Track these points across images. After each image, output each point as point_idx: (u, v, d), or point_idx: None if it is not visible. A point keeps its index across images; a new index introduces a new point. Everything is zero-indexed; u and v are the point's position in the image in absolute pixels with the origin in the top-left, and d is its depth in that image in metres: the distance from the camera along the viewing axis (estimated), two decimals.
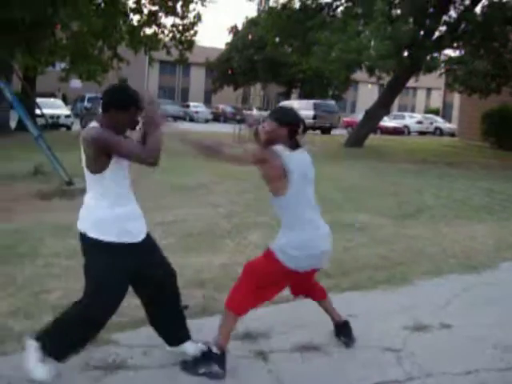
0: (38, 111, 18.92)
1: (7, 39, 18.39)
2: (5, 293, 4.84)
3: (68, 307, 3.46)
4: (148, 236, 3.63)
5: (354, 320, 4.60)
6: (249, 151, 3.63)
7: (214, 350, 3.57)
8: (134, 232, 3.46)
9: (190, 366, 3.63)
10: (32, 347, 3.33)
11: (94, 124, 3.31)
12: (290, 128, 3.63)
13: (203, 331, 4.14)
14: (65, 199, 9.43)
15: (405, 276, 5.94)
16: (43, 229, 6.96)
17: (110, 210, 3.36)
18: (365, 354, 4.00)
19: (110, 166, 3.29)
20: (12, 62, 15.67)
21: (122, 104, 3.29)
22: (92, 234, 3.34)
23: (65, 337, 3.36)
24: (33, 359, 3.30)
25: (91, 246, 3.38)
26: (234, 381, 3.54)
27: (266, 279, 3.61)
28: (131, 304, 4.69)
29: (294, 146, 3.63)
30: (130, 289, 5.06)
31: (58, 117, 27.14)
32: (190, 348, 3.73)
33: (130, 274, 3.48)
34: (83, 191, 10.18)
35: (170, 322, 3.74)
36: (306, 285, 3.99)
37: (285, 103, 39.65)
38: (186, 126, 39.40)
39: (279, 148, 3.54)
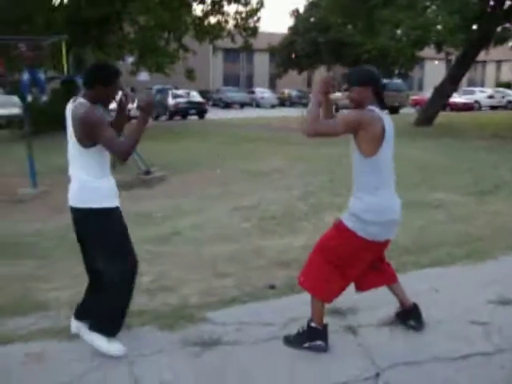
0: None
1: (80, 36, 19.02)
2: None
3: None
4: None
5: (438, 295, 4.68)
6: (337, 120, 3.50)
7: (314, 324, 3.70)
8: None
9: (294, 340, 3.76)
10: (91, 335, 3.67)
11: (81, 100, 3.47)
12: (373, 87, 3.56)
13: (291, 308, 4.32)
14: (144, 188, 9.79)
15: (485, 251, 5.91)
16: (127, 217, 7.26)
17: (105, 179, 3.61)
18: (451, 327, 4.06)
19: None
20: (85, 57, 16.22)
21: (107, 80, 3.50)
22: (97, 205, 3.51)
23: (112, 312, 3.69)
24: (100, 342, 3.63)
25: (95, 216, 3.53)
26: (327, 354, 3.68)
27: (338, 254, 3.60)
28: (218, 285, 4.95)
29: (382, 106, 3.59)
30: (220, 272, 5.34)
31: (129, 110, 27.78)
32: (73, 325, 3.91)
33: None
34: (161, 180, 10.57)
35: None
36: (380, 266, 3.92)
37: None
38: (252, 111, 39.71)
39: (374, 109, 3.50)
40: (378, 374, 3.42)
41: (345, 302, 4.11)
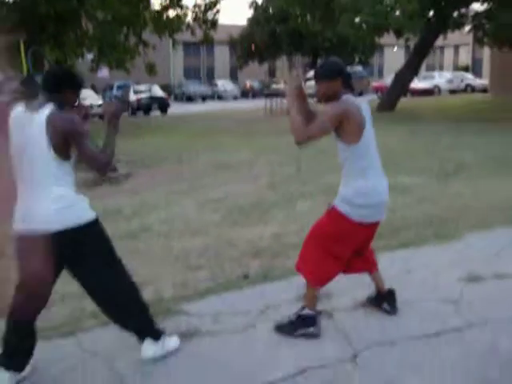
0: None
1: (37, 36, 18.70)
2: None
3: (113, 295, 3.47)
4: None
5: (408, 275, 4.79)
6: (323, 119, 3.49)
7: (307, 311, 3.76)
8: None
9: (287, 328, 3.80)
10: (148, 345, 3.52)
11: (49, 105, 3.14)
12: (342, 78, 3.62)
13: (266, 296, 4.37)
14: (110, 185, 9.71)
15: (452, 231, 6.06)
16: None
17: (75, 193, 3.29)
18: (423, 306, 4.15)
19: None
20: (43, 56, 15.97)
21: (75, 84, 3.32)
22: (88, 218, 3.26)
23: (142, 315, 3.54)
24: (155, 346, 3.52)
25: (90, 229, 3.27)
26: (305, 339, 3.73)
27: (333, 240, 3.68)
28: (192, 277, 4.96)
29: (354, 93, 3.67)
30: (193, 265, 5.35)
31: (91, 107, 27.51)
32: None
33: None
34: (127, 176, 10.43)
35: None
36: (364, 252, 4.00)
37: (311, 73, 39.49)
38: (215, 104, 39.63)
39: (349, 97, 3.57)
40: (355, 356, 3.48)
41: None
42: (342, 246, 3.70)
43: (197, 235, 6.39)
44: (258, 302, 4.28)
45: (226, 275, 4.98)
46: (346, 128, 3.51)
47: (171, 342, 3.62)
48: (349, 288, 4.39)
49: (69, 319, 4.15)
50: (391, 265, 4.89)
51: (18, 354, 3.26)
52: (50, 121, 3.07)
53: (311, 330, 3.74)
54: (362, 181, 3.61)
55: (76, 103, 3.37)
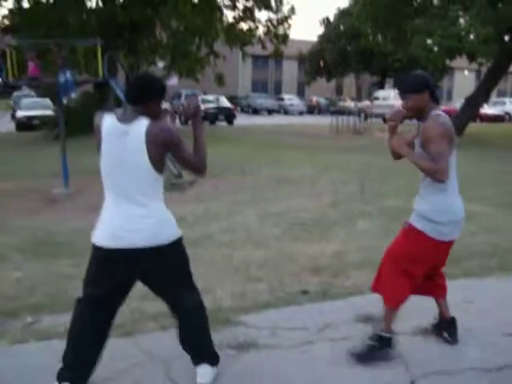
0: None
1: (113, 40, 19.27)
2: None
3: (191, 316, 3.42)
4: None
5: (471, 305, 4.67)
6: (442, 149, 3.37)
7: (385, 334, 3.75)
8: None
9: (367, 355, 3.73)
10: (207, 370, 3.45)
11: (141, 117, 3.03)
12: (429, 91, 3.51)
13: (324, 314, 4.36)
14: (175, 192, 9.88)
15: None
16: None
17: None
18: (485, 339, 4.05)
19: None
20: (117, 62, 16.46)
21: (161, 94, 3.15)
22: (173, 238, 3.20)
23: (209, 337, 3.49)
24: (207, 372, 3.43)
25: (177, 246, 3.25)
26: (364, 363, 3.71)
27: (410, 259, 3.62)
28: (251, 289, 5.00)
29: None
30: (252, 276, 5.39)
31: None
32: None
33: None
34: (192, 183, 10.63)
35: None
36: (435, 275, 3.96)
37: (380, 93, 39.15)
38: (280, 118, 39.78)
39: (445, 116, 3.49)
40: (412, 382, 3.44)
41: (379, 309, 4.13)
42: (418, 264, 3.65)
43: (258, 247, 6.44)
44: (316, 319, 4.28)
45: (285, 289, 5.00)
46: (432, 148, 3.45)
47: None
48: (409, 313, 4.33)
49: (128, 320, 4.25)
50: (452, 294, 4.78)
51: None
52: (150, 134, 2.98)
53: (388, 350, 3.73)
54: (442, 196, 3.54)
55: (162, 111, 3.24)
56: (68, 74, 11.23)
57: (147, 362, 3.63)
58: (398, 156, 3.75)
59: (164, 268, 3.19)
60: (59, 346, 3.81)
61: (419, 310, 4.24)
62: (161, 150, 3.01)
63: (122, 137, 3.01)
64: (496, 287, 5.21)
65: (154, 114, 3.09)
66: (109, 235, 3.10)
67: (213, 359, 3.47)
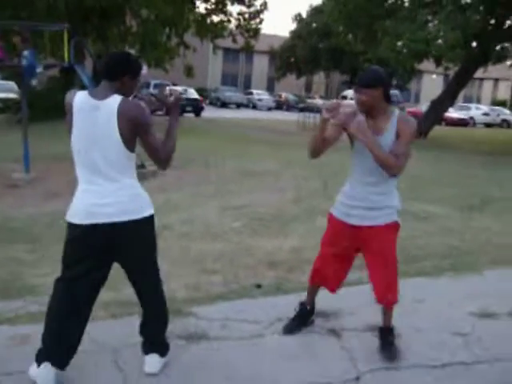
0: None
1: (80, 27, 19.00)
2: None
3: (150, 302, 3.44)
4: None
5: (421, 304, 4.75)
6: (405, 147, 3.50)
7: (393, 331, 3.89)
8: None
9: (396, 353, 3.79)
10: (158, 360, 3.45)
11: (114, 94, 3.00)
12: (383, 88, 3.48)
13: (278, 308, 4.38)
14: None
15: (471, 265, 5.99)
16: None
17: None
18: (433, 337, 4.12)
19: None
20: (85, 49, 16.21)
21: (136, 71, 3.13)
22: (147, 213, 3.17)
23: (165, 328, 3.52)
24: (155, 362, 3.44)
25: (146, 224, 3.20)
26: (310, 355, 3.74)
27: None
28: (205, 281, 5.00)
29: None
30: (208, 268, 5.38)
31: None
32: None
33: None
34: (155, 174, 10.55)
35: None
36: None
37: (348, 92, 39.40)
38: (249, 112, 39.76)
39: (408, 116, 3.63)
40: (357, 378, 3.48)
41: (330, 305, 4.18)
42: None
43: (216, 240, 6.44)
44: (268, 313, 4.30)
45: (239, 282, 5.02)
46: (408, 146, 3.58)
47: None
48: (358, 310, 4.39)
49: None
50: (405, 292, 4.85)
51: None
52: (121, 110, 2.94)
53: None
54: (396, 192, 3.74)
55: (133, 92, 3.18)
56: (30, 57, 11.04)
57: (95, 350, 3.60)
58: (316, 153, 3.70)
59: (136, 245, 3.17)
60: (8, 332, 3.79)
61: (367, 307, 4.29)
62: (131, 127, 2.97)
63: (94, 111, 2.97)
64: (448, 287, 5.29)
65: (128, 91, 3.08)
66: (81, 212, 3.07)
67: (163, 349, 3.48)
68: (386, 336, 3.85)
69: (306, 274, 5.18)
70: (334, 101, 3.64)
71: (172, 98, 3.34)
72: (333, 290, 3.98)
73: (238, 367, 3.52)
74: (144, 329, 3.47)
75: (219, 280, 5.06)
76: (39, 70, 12.19)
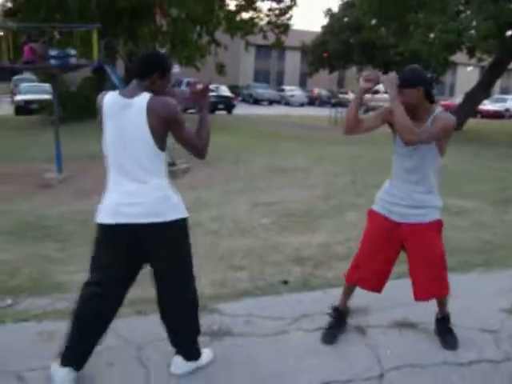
0: None
1: (112, 26, 19.20)
2: None
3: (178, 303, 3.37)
4: None
5: (451, 301, 4.66)
6: (435, 130, 3.41)
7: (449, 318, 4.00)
8: None
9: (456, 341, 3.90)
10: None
11: (144, 92, 3.01)
12: (425, 86, 3.44)
13: (303, 304, 4.37)
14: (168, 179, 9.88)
15: (504, 260, 5.89)
16: None
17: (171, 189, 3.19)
18: (462, 333, 4.05)
19: None
20: (116, 48, 16.39)
21: (166, 71, 3.14)
22: (174, 216, 3.13)
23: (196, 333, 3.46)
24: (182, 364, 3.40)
25: (173, 227, 3.15)
26: (333, 352, 3.72)
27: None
28: (232, 277, 5.01)
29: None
30: (235, 265, 5.39)
31: None
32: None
33: None
34: (185, 172, 10.64)
35: None
36: None
37: (381, 86, 39.01)
38: (281, 109, 39.71)
39: (441, 110, 3.54)
40: (382, 375, 3.44)
41: (355, 301, 4.14)
42: None
43: (244, 236, 6.45)
44: (293, 309, 4.28)
45: (265, 279, 5.01)
46: (443, 143, 3.54)
47: (207, 354, 3.52)
48: (385, 307, 4.34)
49: None
50: None
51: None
52: (151, 107, 2.96)
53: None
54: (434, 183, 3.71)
55: (164, 92, 3.16)
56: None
57: (121, 346, 3.64)
58: (349, 130, 3.61)
59: (161, 248, 3.15)
60: (35, 328, 3.86)
61: (396, 302, 4.25)
62: (161, 123, 2.98)
63: (124, 110, 3.00)
64: (478, 283, 5.20)
65: (158, 90, 3.08)
66: (108, 212, 3.10)
67: (192, 354, 3.41)
68: (445, 324, 3.97)
69: (332, 270, 5.19)
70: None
71: (200, 86, 3.31)
72: (378, 289, 3.91)
73: (262, 363, 3.52)
74: (170, 334, 3.41)
75: (246, 276, 5.06)
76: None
